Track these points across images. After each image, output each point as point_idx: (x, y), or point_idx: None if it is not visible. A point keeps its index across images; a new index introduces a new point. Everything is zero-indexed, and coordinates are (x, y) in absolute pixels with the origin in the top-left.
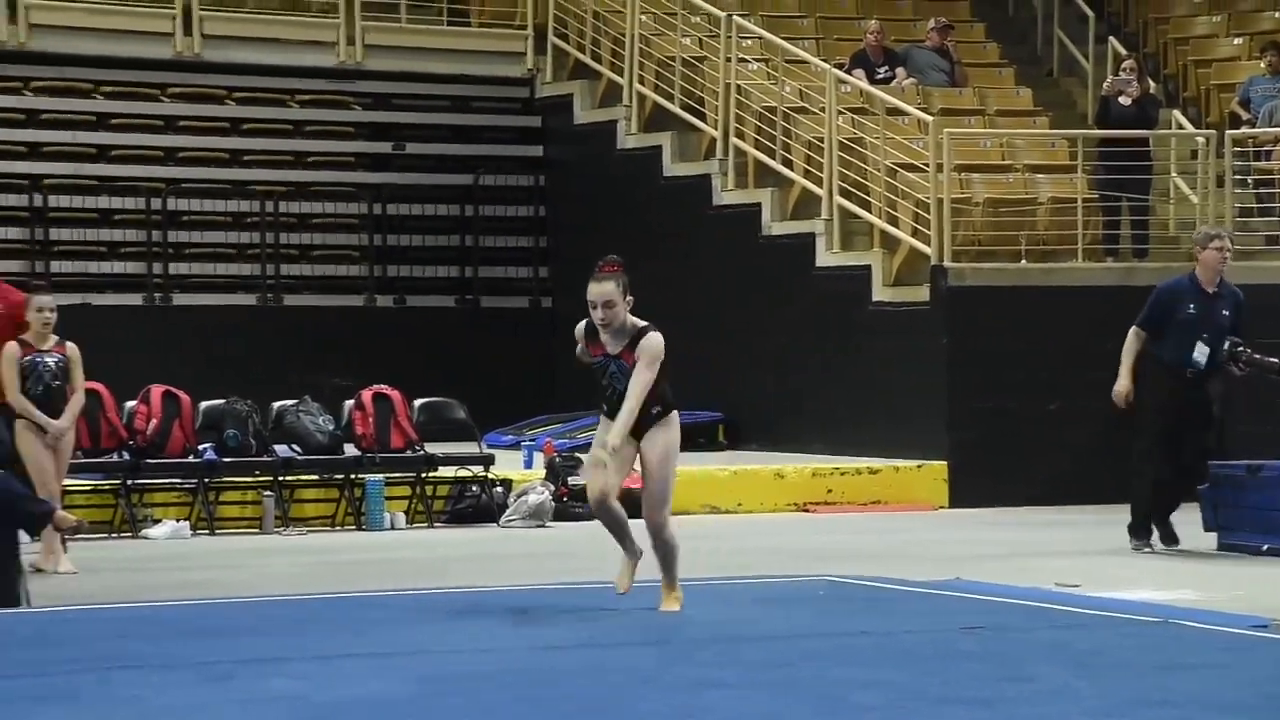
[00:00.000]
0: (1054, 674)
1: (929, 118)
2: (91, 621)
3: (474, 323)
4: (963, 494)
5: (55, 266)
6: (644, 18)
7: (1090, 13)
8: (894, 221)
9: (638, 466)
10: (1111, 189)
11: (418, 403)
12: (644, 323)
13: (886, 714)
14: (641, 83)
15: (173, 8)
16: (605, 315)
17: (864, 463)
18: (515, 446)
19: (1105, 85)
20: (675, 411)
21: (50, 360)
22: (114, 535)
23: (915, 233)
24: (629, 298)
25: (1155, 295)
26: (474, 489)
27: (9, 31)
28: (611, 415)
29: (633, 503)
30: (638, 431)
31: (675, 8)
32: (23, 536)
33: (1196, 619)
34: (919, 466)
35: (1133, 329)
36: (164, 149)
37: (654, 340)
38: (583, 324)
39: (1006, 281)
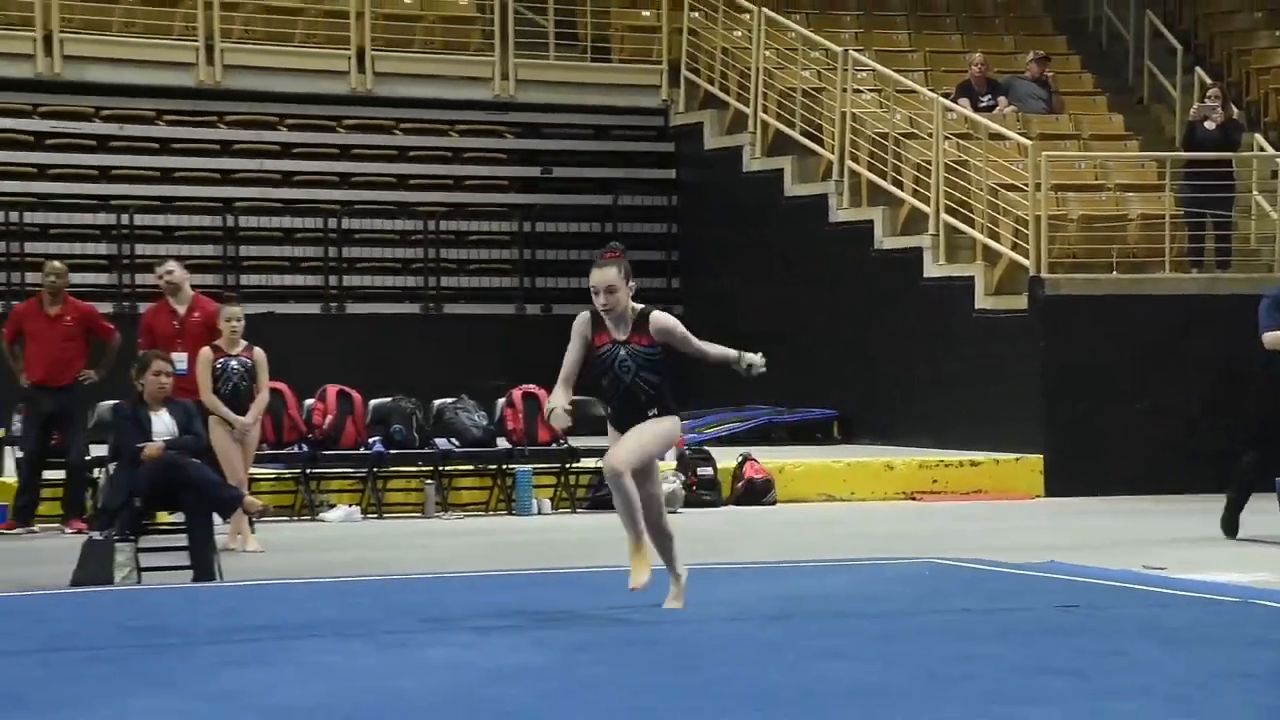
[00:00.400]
0: (1143, 648)
1: (1028, 142)
2: (278, 595)
3: None
4: (1057, 485)
5: (244, 280)
6: (768, 53)
7: (1178, 45)
8: (995, 236)
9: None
10: (1197, 206)
11: None
12: (642, 305)
13: (987, 684)
14: (765, 112)
15: (348, 49)
16: (608, 300)
17: (966, 456)
18: None
19: (1192, 111)
20: (676, 417)
21: (238, 363)
22: (294, 518)
23: (1015, 246)
24: (631, 283)
25: (1274, 300)
26: None
27: (206, 72)
28: (617, 421)
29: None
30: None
31: (796, 44)
32: (216, 519)
33: (1274, 599)
34: (1017, 459)
35: (1269, 331)
36: (339, 174)
37: (665, 317)
38: (584, 316)
39: (1099, 291)
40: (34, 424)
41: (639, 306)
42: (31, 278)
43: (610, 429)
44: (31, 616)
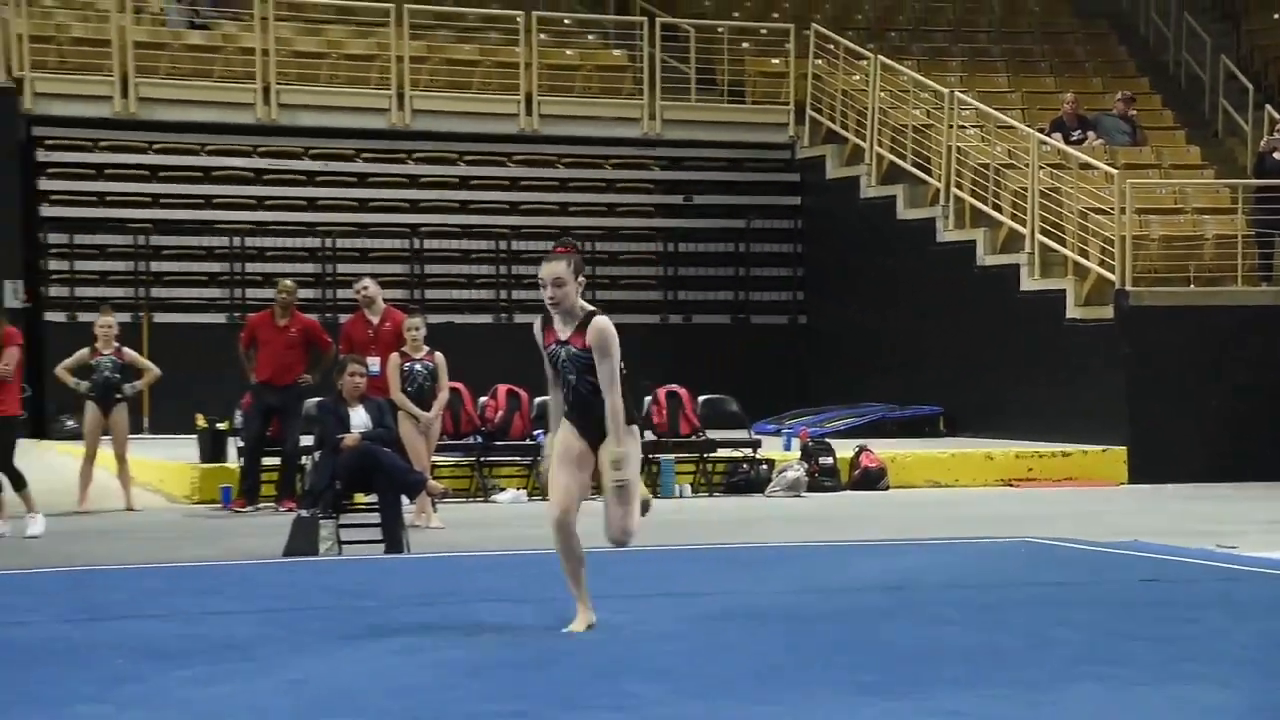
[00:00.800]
0: (1217, 617)
1: (1114, 170)
2: (457, 565)
3: (745, 336)
4: (1140, 473)
5: (428, 294)
6: (883, 94)
7: (1249, 85)
8: (1084, 254)
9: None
10: (1266, 227)
11: (700, 399)
12: (592, 307)
13: (1080, 647)
14: (880, 145)
15: (517, 95)
16: (554, 294)
17: (1058, 447)
18: (777, 433)
19: (1262, 143)
20: (635, 425)
21: (422, 366)
22: (470, 499)
23: (1102, 263)
24: (580, 279)
25: None
26: (744, 466)
27: (398, 116)
28: (573, 417)
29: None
30: (595, 441)
31: (908, 86)
32: (404, 500)
33: None
34: (1103, 451)
35: None
36: (509, 203)
37: (603, 324)
38: (537, 323)
39: (1177, 302)
40: (256, 416)
41: (589, 307)
42: (252, 293)
43: (565, 421)
44: (252, 581)
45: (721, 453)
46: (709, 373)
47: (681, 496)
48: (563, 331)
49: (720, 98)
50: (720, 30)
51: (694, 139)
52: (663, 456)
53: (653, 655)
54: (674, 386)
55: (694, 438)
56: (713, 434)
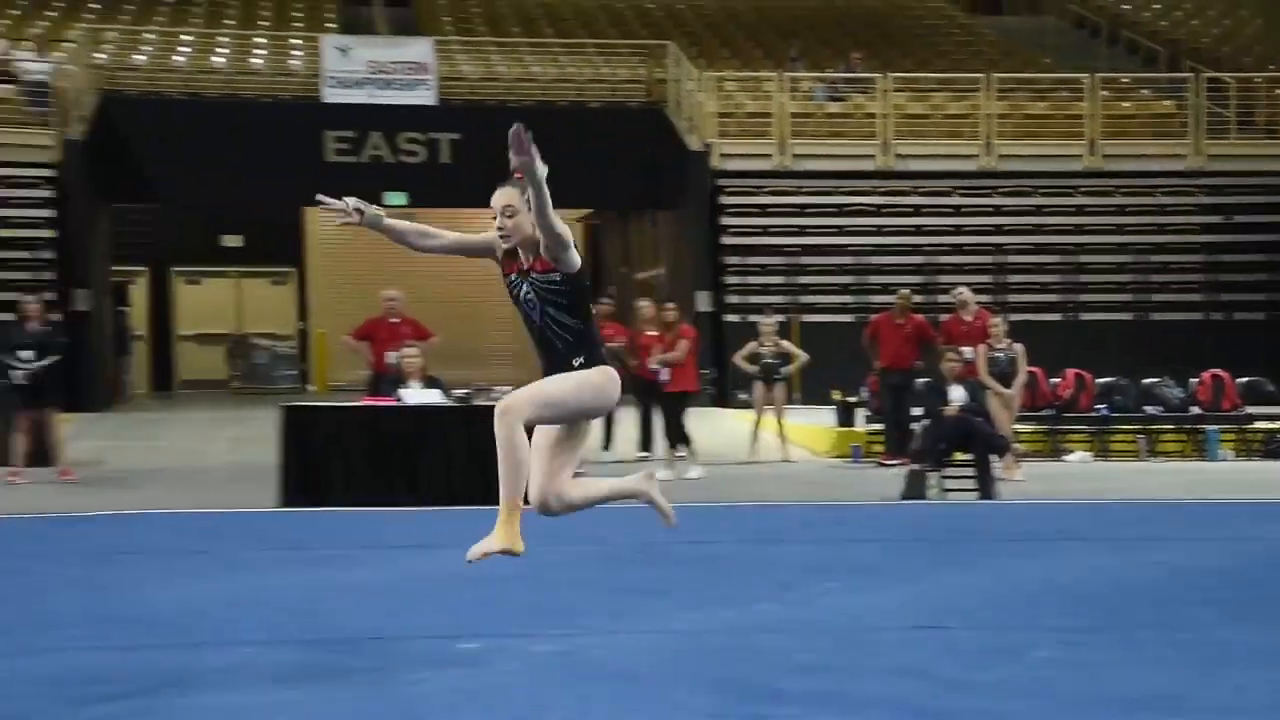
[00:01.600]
0: None
1: None
2: (1038, 510)
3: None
4: None
5: (1010, 298)
6: None
7: None
8: None
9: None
10: None
11: (1240, 380)
12: None
13: None
14: None
15: (1083, 140)
16: (504, 224)
17: None
18: None
19: None
20: (608, 368)
21: (1004, 354)
22: (1046, 459)
23: None
24: None
25: None
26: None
27: (985, 160)
28: (545, 365)
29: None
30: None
31: None
32: (993, 458)
33: None
34: None
35: None
36: (1075, 225)
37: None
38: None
39: None
40: (887, 393)
41: None
42: (874, 299)
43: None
44: (877, 518)
45: (1259, 424)
46: (1248, 360)
47: (1225, 460)
48: (526, 260)
49: (1258, 136)
50: (1258, 80)
51: (1233, 170)
52: (1209, 428)
53: (1198, 588)
54: (1217, 371)
55: (1235, 412)
56: (1251, 410)
